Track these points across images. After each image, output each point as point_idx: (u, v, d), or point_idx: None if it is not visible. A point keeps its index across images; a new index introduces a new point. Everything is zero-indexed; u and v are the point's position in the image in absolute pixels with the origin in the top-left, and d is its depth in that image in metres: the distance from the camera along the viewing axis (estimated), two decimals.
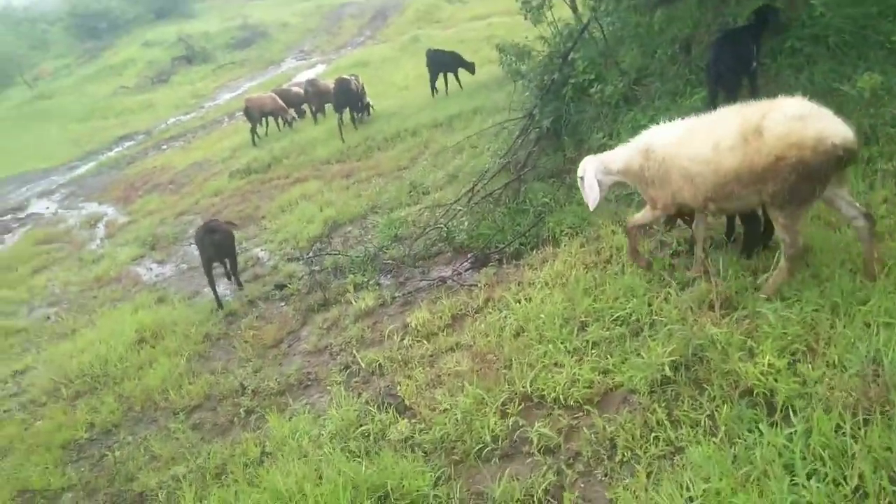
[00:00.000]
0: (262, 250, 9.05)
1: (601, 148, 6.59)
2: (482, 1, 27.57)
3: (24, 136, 25.40)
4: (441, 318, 5.24)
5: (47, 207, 15.35)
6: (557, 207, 6.31)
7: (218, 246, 7.16)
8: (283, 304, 7.06)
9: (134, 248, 10.71)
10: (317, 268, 7.56)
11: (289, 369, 5.46)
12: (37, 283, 10.13)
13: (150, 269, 9.84)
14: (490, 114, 10.72)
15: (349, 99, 13.68)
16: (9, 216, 15.20)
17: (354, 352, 5.26)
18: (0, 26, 49.63)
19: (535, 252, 5.82)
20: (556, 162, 6.99)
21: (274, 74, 26.89)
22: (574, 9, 8.46)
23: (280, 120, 16.17)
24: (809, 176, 3.38)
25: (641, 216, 4.45)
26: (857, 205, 3.60)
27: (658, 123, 4.30)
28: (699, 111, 4.40)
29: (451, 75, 14.67)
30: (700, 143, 3.79)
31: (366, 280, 6.72)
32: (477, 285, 5.62)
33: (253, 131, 15.48)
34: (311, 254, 8.08)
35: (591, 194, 4.44)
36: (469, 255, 6.47)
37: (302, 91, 16.25)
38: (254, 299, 7.28)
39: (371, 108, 14.68)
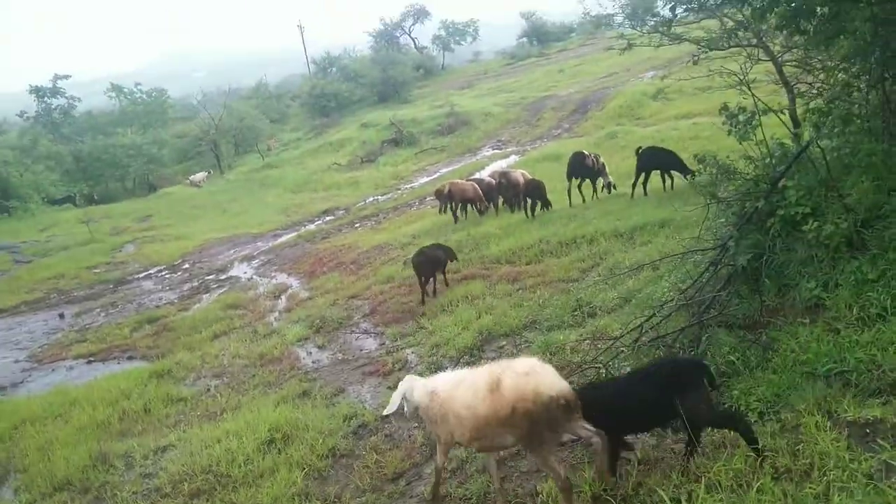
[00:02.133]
0: (412, 352, 8.70)
1: (812, 301, 5.30)
2: (689, 99, 26.28)
3: (247, 200, 28.81)
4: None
5: (245, 272, 16.79)
6: (747, 372, 5.09)
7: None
8: (415, 424, 6.51)
9: (302, 328, 10.99)
10: None
11: None
12: (211, 350, 10.74)
13: (310, 353, 9.96)
14: (678, 230, 9.57)
15: (581, 171, 14.19)
16: (212, 276, 16.86)
17: None
18: (253, 100, 58.47)
19: (709, 428, 4.64)
20: (750, 310, 5.74)
21: (469, 161, 27.80)
22: (794, 126, 7.21)
23: (475, 208, 16.24)
24: (538, 422, 4.11)
25: (439, 457, 4.91)
26: (588, 427, 4.34)
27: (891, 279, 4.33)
28: None
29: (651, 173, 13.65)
30: (465, 390, 4.48)
31: None
32: (629, 461, 4.58)
33: (455, 213, 16.03)
34: (455, 369, 7.50)
35: (391, 405, 4.95)
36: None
37: (494, 182, 16.29)
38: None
39: (613, 187, 14.56)
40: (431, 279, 10.95)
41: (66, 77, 51.04)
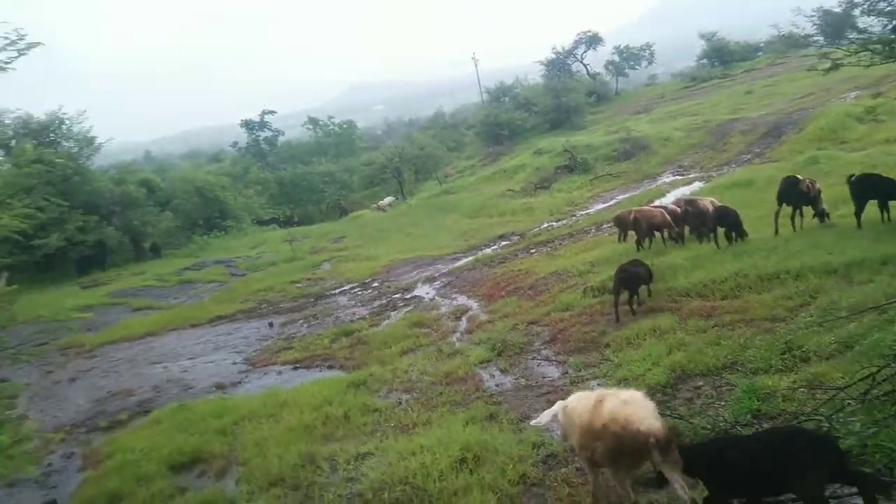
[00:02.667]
0: (597, 384, 8.57)
1: None
2: None
3: (427, 224, 30.24)
4: None
5: (427, 293, 17.61)
6: None
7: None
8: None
9: (484, 351, 11.30)
10: None
11: None
12: (400, 366, 11.40)
13: (493, 376, 10.20)
14: None
15: (794, 197, 13.27)
16: (398, 295, 17.90)
17: None
18: (430, 130, 61.65)
19: None
20: None
21: (648, 188, 26.84)
22: None
23: (666, 236, 15.56)
24: (623, 446, 4.78)
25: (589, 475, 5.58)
26: (686, 490, 4.65)
27: None
28: None
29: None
30: (581, 404, 5.40)
31: None
32: None
33: (638, 243, 15.39)
34: None
35: (544, 417, 5.98)
36: (856, 474, 4.89)
37: (679, 210, 15.56)
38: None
39: (826, 217, 13.43)
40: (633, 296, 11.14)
41: (272, 112, 57.68)
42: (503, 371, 10.30)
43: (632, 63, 68.69)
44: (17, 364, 8.88)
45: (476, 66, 67.23)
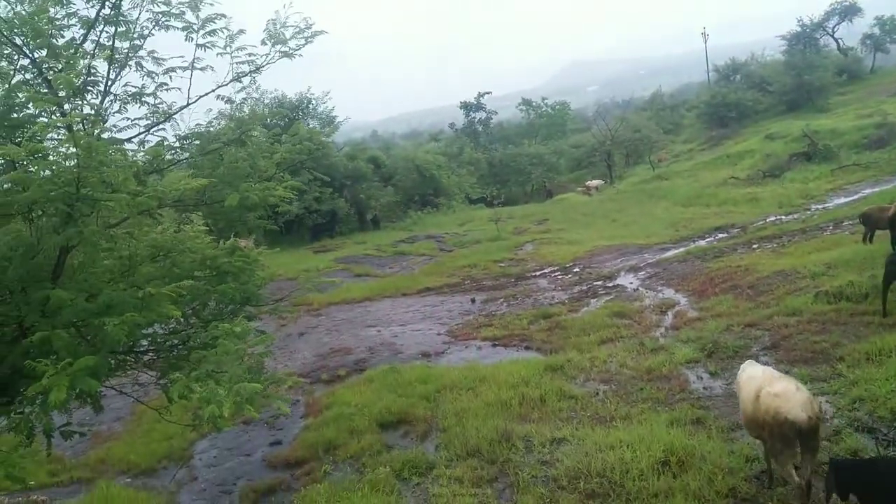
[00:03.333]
0: (826, 400, 7.64)
1: None
2: None
3: (635, 211, 29.06)
4: None
5: (631, 283, 16.97)
6: None
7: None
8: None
9: (692, 350, 10.65)
10: (892, 452, 5.86)
11: None
12: (599, 355, 11.18)
13: (701, 378, 9.60)
14: None
15: None
16: (600, 282, 17.50)
17: None
18: (647, 111, 58.82)
19: None
20: None
21: None
22: None
23: None
24: (774, 434, 5.49)
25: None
26: (809, 470, 5.42)
27: None
28: None
29: None
30: (747, 386, 6.13)
31: None
32: None
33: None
34: (890, 433, 6.32)
35: None
36: None
37: None
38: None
39: None
40: None
41: (488, 93, 59.18)
42: (713, 374, 9.64)
43: (894, 37, 58.30)
44: (268, 316, 10.23)
45: (705, 41, 62.19)
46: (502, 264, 22.21)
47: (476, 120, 58.14)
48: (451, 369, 11.91)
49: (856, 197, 22.76)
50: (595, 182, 39.22)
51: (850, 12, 56.89)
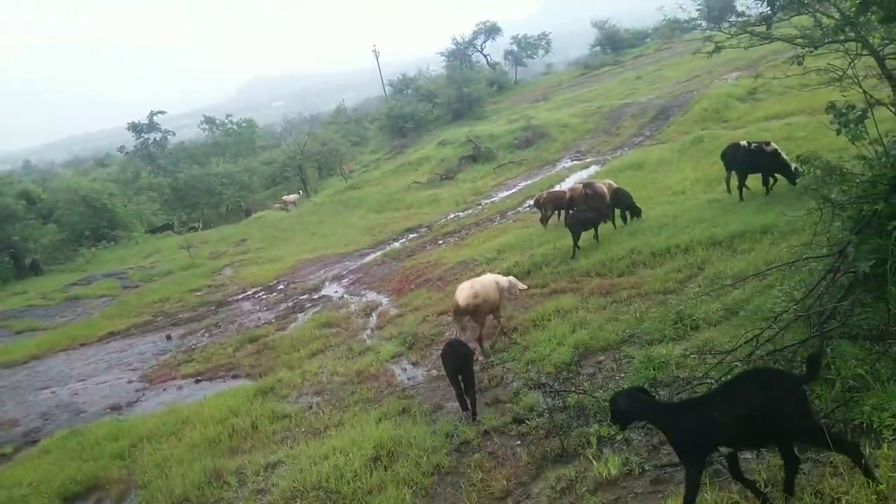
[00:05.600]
0: (506, 368, 8.67)
1: None
2: (779, 98, 25.02)
3: (333, 221, 29.69)
4: None
5: (336, 291, 17.25)
6: (878, 385, 4.76)
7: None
8: (518, 442, 6.47)
9: (395, 345, 11.17)
10: (560, 403, 6.86)
11: None
12: (310, 368, 11.08)
13: (405, 369, 10.10)
14: (783, 237, 9.11)
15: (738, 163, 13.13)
16: (305, 296, 17.43)
17: None
18: (333, 125, 60.56)
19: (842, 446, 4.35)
20: (876, 319, 5.37)
21: (549, 174, 27.55)
22: None
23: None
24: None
25: None
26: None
27: None
28: None
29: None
30: None
31: (612, 433, 5.81)
32: (756, 483, 4.35)
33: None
34: (555, 385, 7.41)
35: None
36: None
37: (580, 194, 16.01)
38: (490, 429, 6.83)
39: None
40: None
41: (162, 112, 54.70)
42: (415, 364, 10.22)
43: (529, 53, 70.16)
44: None
45: (377, 58, 66.50)
46: (199, 293, 20.69)
47: (150, 141, 53.32)
48: (148, 418, 10.63)
49: (515, 190, 26.51)
50: (292, 196, 39.04)
51: (492, 32, 66.62)
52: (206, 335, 15.74)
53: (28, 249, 30.63)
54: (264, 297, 18.71)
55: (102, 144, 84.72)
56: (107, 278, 25.63)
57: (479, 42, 67.61)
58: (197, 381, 12.48)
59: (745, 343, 5.92)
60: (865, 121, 6.31)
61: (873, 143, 6.32)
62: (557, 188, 19.64)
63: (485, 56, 68.74)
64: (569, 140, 32.84)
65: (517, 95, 57.82)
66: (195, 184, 43.46)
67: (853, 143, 6.30)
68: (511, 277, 9.99)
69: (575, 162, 28.60)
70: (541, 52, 71.12)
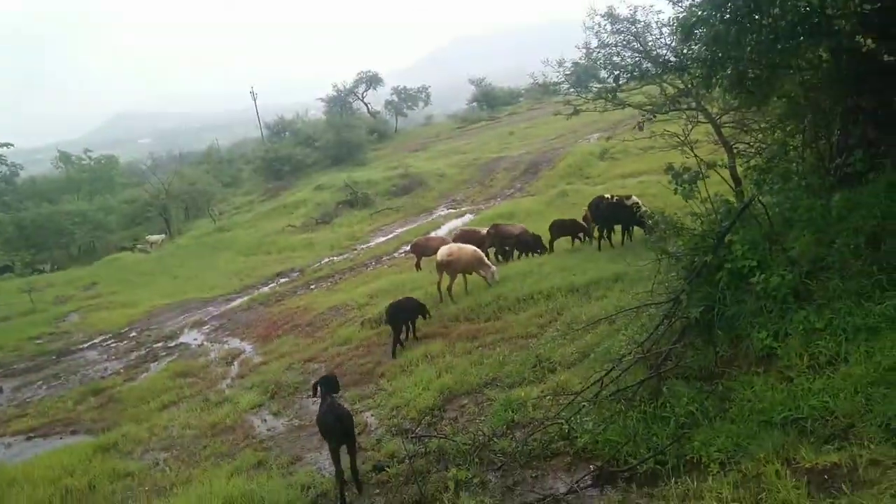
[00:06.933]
0: (371, 415, 8.50)
1: (764, 351, 5.43)
2: (635, 158, 27.33)
3: (197, 265, 28.18)
4: None
5: (195, 339, 16.26)
6: (706, 422, 5.15)
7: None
8: (377, 491, 6.30)
9: (256, 395, 10.63)
10: (421, 448, 6.80)
11: None
12: (160, 422, 10.27)
13: (265, 420, 9.62)
14: (632, 284, 9.78)
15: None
16: (160, 343, 16.27)
17: None
18: (204, 165, 58.11)
19: (673, 480, 4.65)
20: (705, 361, 5.86)
21: (425, 221, 28.05)
22: (735, 184, 7.57)
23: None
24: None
25: None
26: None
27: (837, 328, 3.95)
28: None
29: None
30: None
31: (470, 476, 5.83)
32: None
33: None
34: (416, 431, 7.36)
35: None
36: (592, 467, 5.40)
37: (485, 233, 16.38)
38: (348, 479, 6.60)
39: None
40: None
41: (9, 145, 49.93)
42: (276, 414, 9.76)
43: (409, 104, 71.91)
44: None
45: (255, 99, 65.13)
46: (39, 341, 18.69)
47: None
48: None
49: (391, 235, 26.67)
50: (156, 237, 36.72)
51: (374, 81, 67.60)
52: (44, 387, 14.18)
53: None
54: (113, 345, 17.23)
55: None
56: None
57: (360, 90, 68.36)
58: (28, 439, 11.18)
59: (592, 384, 6.23)
60: (699, 181, 7.01)
61: (704, 202, 7.05)
62: (433, 234, 20.03)
63: (366, 104, 69.55)
64: (445, 189, 33.72)
65: (397, 144, 58.84)
66: (43, 223, 39.63)
67: (686, 201, 6.96)
68: (494, 267, 13.11)
69: (450, 210, 29.36)
70: (421, 103, 73.10)
